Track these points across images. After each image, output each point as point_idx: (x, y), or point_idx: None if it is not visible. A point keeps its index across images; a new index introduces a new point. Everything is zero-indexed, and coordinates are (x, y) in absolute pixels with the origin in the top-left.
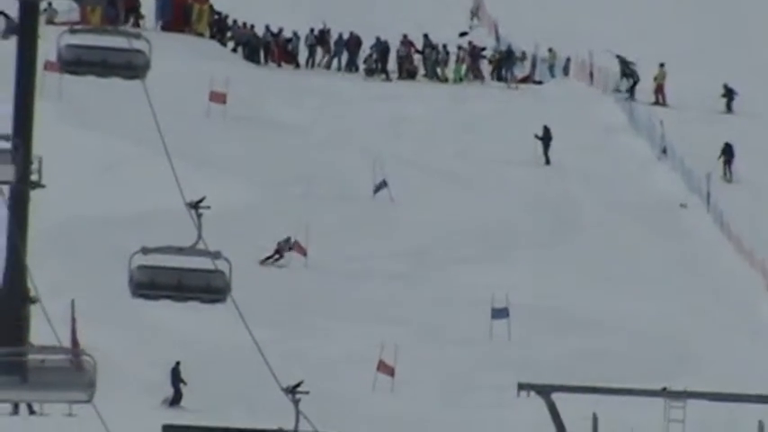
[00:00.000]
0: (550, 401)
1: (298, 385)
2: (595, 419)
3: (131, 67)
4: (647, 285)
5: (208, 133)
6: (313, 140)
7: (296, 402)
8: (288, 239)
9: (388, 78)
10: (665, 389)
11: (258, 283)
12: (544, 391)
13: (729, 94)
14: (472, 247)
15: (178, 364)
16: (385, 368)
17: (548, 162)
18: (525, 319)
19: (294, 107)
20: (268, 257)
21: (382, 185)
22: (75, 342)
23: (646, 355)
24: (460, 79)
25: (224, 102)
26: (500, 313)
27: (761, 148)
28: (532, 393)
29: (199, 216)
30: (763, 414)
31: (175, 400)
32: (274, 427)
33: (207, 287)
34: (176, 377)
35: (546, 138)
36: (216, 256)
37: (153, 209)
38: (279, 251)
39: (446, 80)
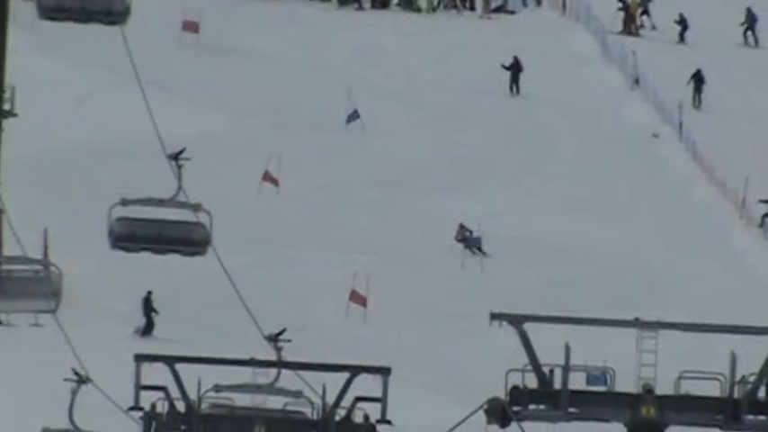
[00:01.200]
0: (522, 331)
1: (280, 333)
2: (567, 349)
3: (111, 13)
4: (620, 215)
5: (180, 63)
6: (285, 70)
7: (278, 350)
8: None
9: (361, 7)
10: (637, 319)
11: (231, 212)
12: (516, 320)
13: (683, 24)
14: (445, 176)
15: (150, 293)
16: (357, 297)
17: (517, 92)
18: (498, 248)
19: (267, 36)
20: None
21: (355, 115)
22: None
23: (618, 285)
24: (434, 9)
25: (196, 31)
26: (473, 242)
27: (727, 78)
28: (505, 323)
29: (179, 167)
30: (736, 344)
31: (147, 329)
32: (246, 356)
33: (187, 239)
34: (148, 306)
35: (515, 68)
36: (196, 208)
37: (126, 138)
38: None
39: (419, 10)
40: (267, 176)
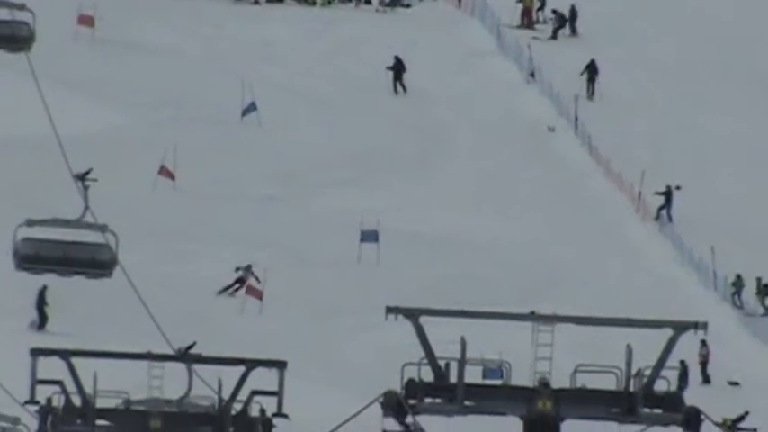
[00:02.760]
0: (418, 325)
1: (190, 347)
2: (464, 343)
3: (15, 39)
4: (517, 209)
5: (76, 57)
6: (182, 64)
7: (189, 366)
8: (248, 267)
9: (256, 1)
10: (533, 312)
11: (127, 206)
12: (412, 314)
13: (570, 17)
14: (341, 171)
15: (45, 287)
16: (253, 291)
17: (404, 91)
18: (394, 242)
19: (163, 30)
20: (227, 288)
21: (251, 108)
22: None
23: (515, 279)
24: (329, 2)
25: (92, 25)
26: (369, 236)
27: (619, 69)
28: (400, 316)
29: (86, 188)
30: (632, 338)
31: (41, 323)
32: (142, 350)
33: (92, 261)
34: (41, 300)
35: (397, 68)
36: (103, 229)
37: (21, 133)
38: (241, 280)
39: (314, 3)
40: (164, 170)
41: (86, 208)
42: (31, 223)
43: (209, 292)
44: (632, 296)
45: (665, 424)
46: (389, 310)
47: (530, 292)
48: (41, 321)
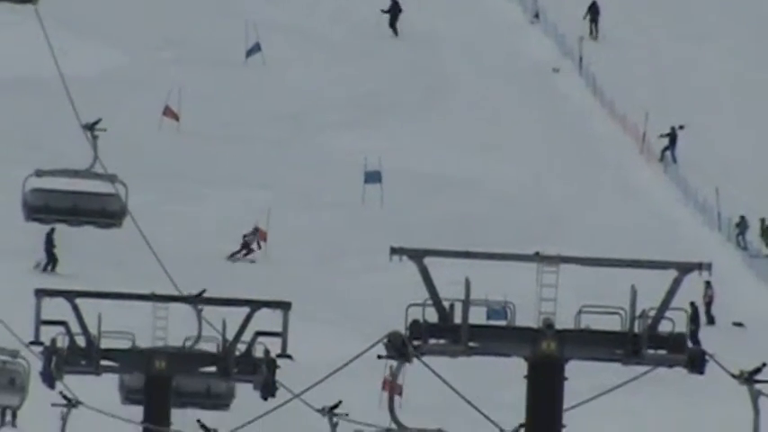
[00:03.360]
0: (423, 266)
1: (200, 294)
2: (468, 284)
3: None
4: (521, 150)
5: None
6: (185, 4)
7: (199, 312)
8: (255, 231)
9: None
10: (537, 253)
11: (132, 147)
12: (416, 255)
13: None
14: (345, 112)
15: (53, 229)
16: (259, 234)
17: (395, 34)
18: (398, 183)
19: None
20: (236, 252)
21: (255, 49)
22: None
23: (519, 220)
24: None
25: None
26: (373, 177)
27: (622, 9)
28: (405, 258)
29: (95, 138)
30: (636, 278)
31: (50, 265)
32: (146, 292)
33: (102, 211)
34: (50, 242)
35: (394, 10)
36: (112, 179)
37: (27, 75)
38: (246, 245)
39: None
40: (168, 111)
41: (96, 158)
42: (39, 173)
43: (214, 233)
44: (637, 237)
45: (670, 365)
46: (394, 251)
47: (534, 232)
48: (51, 263)
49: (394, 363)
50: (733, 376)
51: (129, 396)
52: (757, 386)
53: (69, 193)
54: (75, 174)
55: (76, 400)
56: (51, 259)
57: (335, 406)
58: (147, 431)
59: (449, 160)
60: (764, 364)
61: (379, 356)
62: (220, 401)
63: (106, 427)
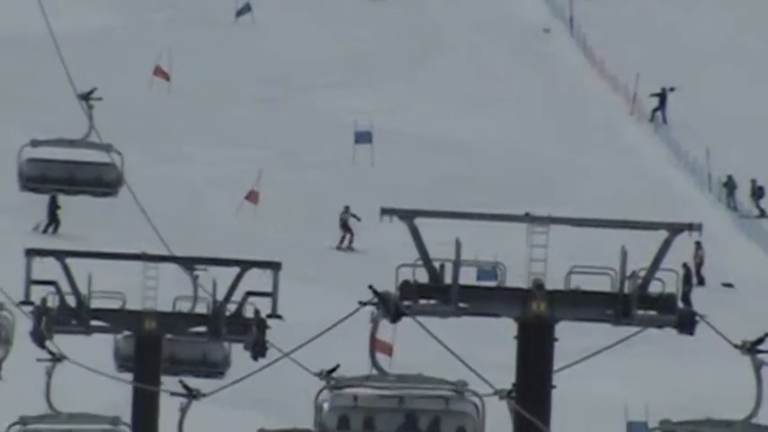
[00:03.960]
0: (413, 226)
1: (195, 265)
2: (458, 244)
3: None
4: (512, 111)
5: None
6: None
7: (195, 278)
8: (346, 209)
9: None
10: (527, 214)
11: (123, 107)
12: (407, 216)
13: None
14: (335, 72)
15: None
16: (252, 196)
17: None
18: (389, 144)
19: None
20: (341, 242)
21: (245, 9)
22: None
23: (509, 180)
24: None
25: None
26: (363, 137)
27: None
28: (395, 218)
29: (90, 107)
30: (627, 239)
31: (50, 226)
32: (138, 251)
33: (99, 181)
34: (54, 204)
35: None
36: (108, 148)
37: (18, 33)
38: (345, 226)
39: None
40: (158, 71)
41: (91, 127)
42: (35, 143)
43: (206, 193)
44: (627, 198)
45: (660, 326)
46: (384, 211)
47: (524, 193)
48: (53, 224)
49: (383, 321)
50: (735, 346)
51: (124, 364)
52: (759, 356)
53: (65, 162)
54: (70, 143)
55: (61, 355)
56: (53, 220)
57: (333, 369)
58: (137, 390)
59: (439, 121)
60: (767, 335)
61: (360, 303)
62: (216, 369)
63: (95, 387)
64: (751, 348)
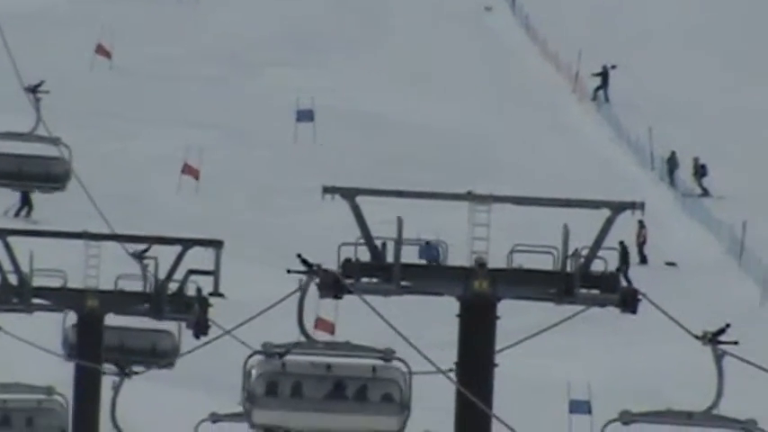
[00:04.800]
0: (355, 204)
1: (145, 250)
2: (400, 223)
3: None
4: (454, 90)
5: None
6: None
7: (145, 266)
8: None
9: None
10: (469, 192)
11: (65, 86)
12: (348, 194)
13: None
14: (278, 50)
15: None
16: (190, 170)
17: None
18: (331, 122)
19: None
20: None
21: None
22: None
23: (452, 159)
24: None
25: None
26: (305, 116)
27: None
28: (337, 196)
29: (37, 100)
30: (568, 218)
31: (23, 210)
32: (80, 230)
33: (47, 175)
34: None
35: None
36: (56, 142)
37: None
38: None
39: None
40: (100, 49)
41: (39, 120)
42: None
43: (148, 171)
44: (569, 176)
45: (602, 305)
46: (326, 189)
47: (467, 172)
48: (27, 208)
49: (326, 300)
50: (696, 337)
51: (72, 352)
52: (721, 347)
53: (13, 156)
54: (18, 137)
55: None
56: (26, 203)
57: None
58: (79, 369)
59: (382, 99)
60: (728, 325)
61: (289, 271)
62: (166, 359)
63: (38, 366)
64: (712, 339)
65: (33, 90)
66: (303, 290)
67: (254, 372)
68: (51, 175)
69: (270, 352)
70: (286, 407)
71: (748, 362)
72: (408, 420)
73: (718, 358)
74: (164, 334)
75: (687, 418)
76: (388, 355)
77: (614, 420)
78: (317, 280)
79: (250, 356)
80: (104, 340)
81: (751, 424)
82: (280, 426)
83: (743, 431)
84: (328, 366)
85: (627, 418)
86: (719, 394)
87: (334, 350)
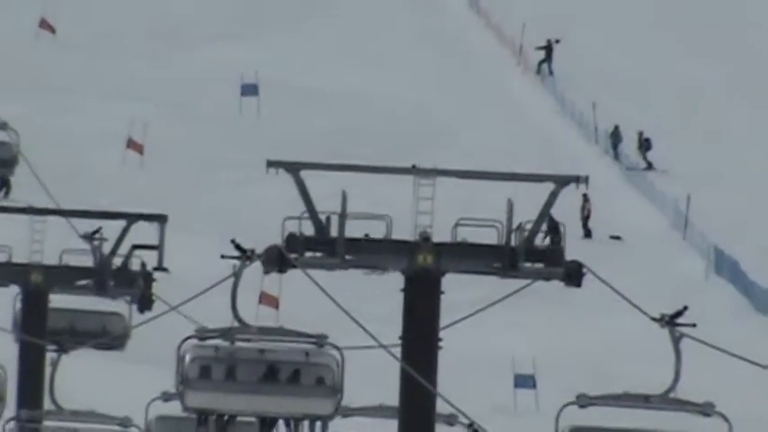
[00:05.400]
0: (299, 179)
1: (96, 231)
2: (344, 196)
3: None
4: (398, 63)
5: None
6: None
7: (94, 247)
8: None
9: None
10: (414, 166)
11: (8, 59)
12: (293, 168)
13: None
14: (222, 25)
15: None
16: (134, 145)
17: None
18: (275, 96)
19: None
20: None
21: None
22: None
23: (396, 133)
24: None
25: None
26: (249, 90)
27: None
28: (281, 170)
29: None
30: (512, 191)
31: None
32: (25, 205)
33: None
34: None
35: None
36: (3, 127)
37: None
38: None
39: None
40: (44, 23)
41: None
42: None
43: (92, 145)
44: (513, 150)
45: (547, 278)
46: (270, 163)
47: (411, 146)
48: (5, 188)
49: (272, 275)
50: (653, 319)
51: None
52: (678, 329)
53: None
54: None
55: None
56: (4, 184)
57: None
58: (23, 344)
59: (327, 73)
60: (685, 308)
61: (223, 256)
62: (116, 341)
63: None
64: (669, 321)
65: None
66: (237, 275)
67: (187, 356)
68: None
69: (203, 336)
70: (219, 390)
71: (707, 344)
72: (341, 402)
73: (676, 341)
74: (114, 316)
75: (644, 401)
76: (320, 340)
77: (571, 403)
78: (261, 258)
79: (184, 341)
80: (54, 322)
81: (708, 407)
82: (213, 409)
83: (700, 414)
84: (261, 351)
85: (584, 401)
86: (677, 377)
87: (267, 335)
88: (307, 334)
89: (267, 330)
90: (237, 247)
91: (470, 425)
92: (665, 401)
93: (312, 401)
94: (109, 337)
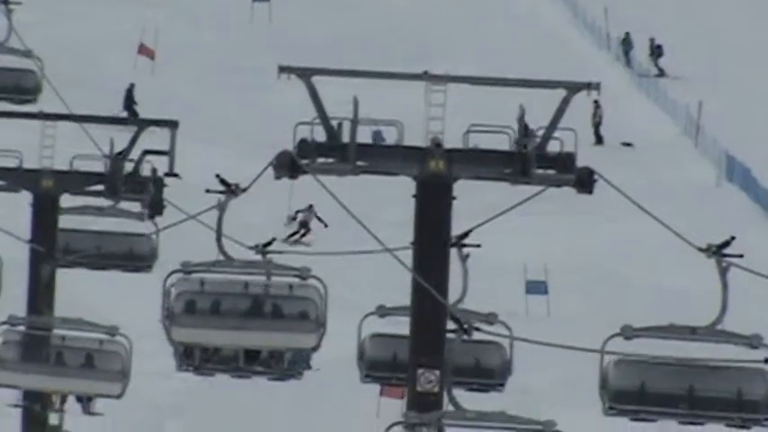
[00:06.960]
0: (311, 84)
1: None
2: (356, 103)
3: None
4: None
5: None
6: None
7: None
8: (309, 207)
9: None
10: (426, 72)
11: None
12: (305, 74)
13: None
14: None
15: None
16: (146, 50)
17: None
18: (287, 1)
19: None
20: (293, 234)
21: None
22: None
23: (408, 39)
24: None
25: None
26: None
27: None
28: (293, 76)
29: (10, 11)
30: (525, 98)
31: None
32: (35, 110)
33: (17, 87)
34: None
35: None
36: (28, 54)
37: None
38: (305, 224)
39: None
40: None
41: (11, 30)
42: None
43: (103, 51)
44: (525, 57)
45: (558, 185)
46: (282, 69)
47: (423, 52)
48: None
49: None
50: (699, 250)
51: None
52: (726, 259)
53: None
54: None
55: None
56: None
57: (269, 243)
58: (34, 251)
59: None
60: (733, 238)
61: (207, 190)
62: (143, 263)
63: None
64: (716, 252)
65: (5, 1)
66: (221, 209)
67: (173, 290)
68: (21, 88)
69: (188, 270)
70: (204, 324)
71: (756, 272)
72: (324, 335)
73: (723, 272)
74: (142, 238)
75: (690, 332)
76: (304, 273)
77: (616, 335)
78: (272, 164)
79: (169, 275)
80: (81, 243)
81: (756, 339)
82: (198, 342)
83: (748, 346)
84: (246, 284)
85: (628, 332)
86: (724, 309)
87: (251, 269)
88: (291, 267)
89: (251, 264)
90: (222, 181)
91: (466, 328)
92: (712, 333)
93: (295, 335)
94: (136, 259)
